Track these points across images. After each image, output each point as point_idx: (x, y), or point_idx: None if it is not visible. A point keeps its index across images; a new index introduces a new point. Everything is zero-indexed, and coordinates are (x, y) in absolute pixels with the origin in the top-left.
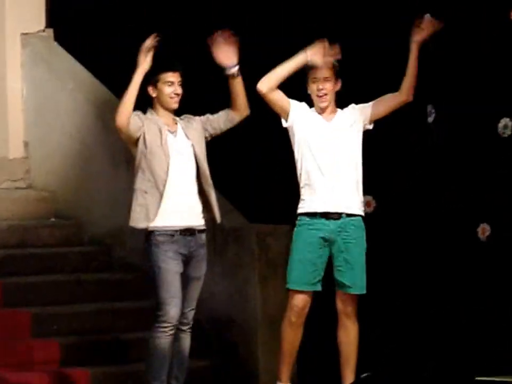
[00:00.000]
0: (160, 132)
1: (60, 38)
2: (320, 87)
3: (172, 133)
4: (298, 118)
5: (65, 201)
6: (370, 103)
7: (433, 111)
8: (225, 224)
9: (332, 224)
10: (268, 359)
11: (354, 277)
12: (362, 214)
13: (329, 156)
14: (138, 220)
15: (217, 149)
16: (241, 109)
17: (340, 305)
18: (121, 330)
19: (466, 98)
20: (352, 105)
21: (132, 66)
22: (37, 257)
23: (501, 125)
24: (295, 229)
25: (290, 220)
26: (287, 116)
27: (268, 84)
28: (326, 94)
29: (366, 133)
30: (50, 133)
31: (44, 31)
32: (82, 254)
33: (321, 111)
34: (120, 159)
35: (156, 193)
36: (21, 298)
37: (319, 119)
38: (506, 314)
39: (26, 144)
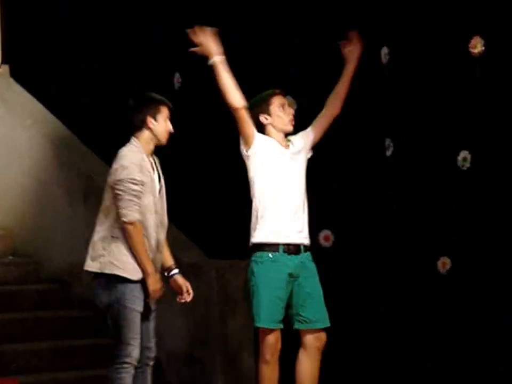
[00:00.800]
0: (150, 178)
1: (16, 75)
2: (292, 111)
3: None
4: (262, 148)
5: (23, 239)
6: (309, 130)
7: (391, 144)
8: (184, 260)
9: (294, 259)
10: None
11: (319, 311)
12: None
13: (289, 184)
14: (133, 272)
15: (175, 183)
16: None
17: (311, 340)
18: (79, 368)
19: (425, 131)
20: (300, 134)
21: (88, 104)
22: None
23: (460, 157)
24: (256, 264)
25: (248, 255)
26: (251, 143)
27: (235, 97)
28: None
29: (325, 166)
30: (7, 170)
31: None
32: (40, 292)
33: (282, 137)
34: (77, 196)
35: (148, 245)
36: None
37: (279, 147)
38: (467, 348)
39: None
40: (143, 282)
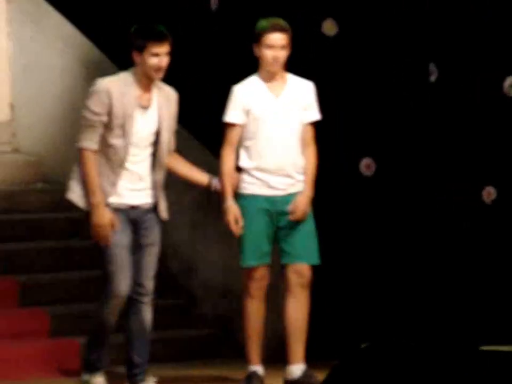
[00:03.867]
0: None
1: None
2: (277, 55)
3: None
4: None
5: (53, 166)
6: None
7: (435, 69)
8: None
9: None
10: None
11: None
12: None
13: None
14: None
15: (206, 109)
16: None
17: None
18: None
19: (470, 56)
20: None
21: (123, 25)
22: (24, 223)
23: (506, 83)
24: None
25: None
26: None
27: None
28: (279, 62)
29: (368, 92)
30: (38, 94)
31: None
32: (70, 220)
33: (270, 77)
34: None
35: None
36: (7, 265)
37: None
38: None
39: (12, 107)
40: (130, 214)
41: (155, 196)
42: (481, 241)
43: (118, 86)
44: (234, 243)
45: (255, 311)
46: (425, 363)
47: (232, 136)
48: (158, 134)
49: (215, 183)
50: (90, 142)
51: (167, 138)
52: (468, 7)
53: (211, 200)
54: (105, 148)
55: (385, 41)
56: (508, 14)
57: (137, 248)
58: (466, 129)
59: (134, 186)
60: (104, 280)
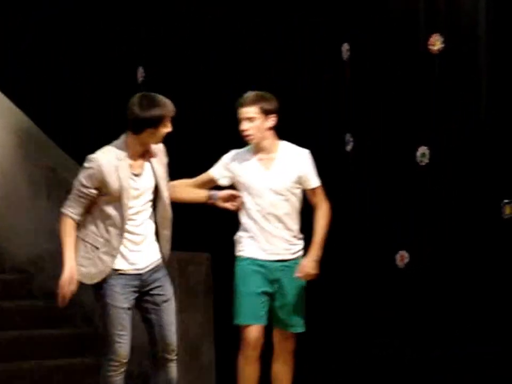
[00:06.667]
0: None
1: None
2: (243, 128)
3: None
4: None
5: None
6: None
7: (351, 139)
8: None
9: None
10: None
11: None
12: None
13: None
14: (86, 276)
15: None
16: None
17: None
18: (42, 358)
19: (384, 127)
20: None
21: (54, 95)
22: None
23: (418, 153)
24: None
25: (208, 248)
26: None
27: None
28: (250, 134)
29: None
30: None
31: None
32: (3, 282)
33: (256, 151)
34: (40, 189)
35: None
36: None
37: (256, 166)
38: (427, 345)
39: None
40: (137, 277)
41: (162, 250)
42: (396, 303)
43: (110, 162)
44: None
45: (249, 372)
46: None
47: None
48: (156, 191)
49: (214, 196)
50: (71, 212)
51: (166, 192)
52: (381, 79)
53: None
54: (104, 218)
55: (303, 114)
56: (420, 86)
57: (154, 307)
58: (381, 195)
59: (139, 248)
60: (104, 342)
